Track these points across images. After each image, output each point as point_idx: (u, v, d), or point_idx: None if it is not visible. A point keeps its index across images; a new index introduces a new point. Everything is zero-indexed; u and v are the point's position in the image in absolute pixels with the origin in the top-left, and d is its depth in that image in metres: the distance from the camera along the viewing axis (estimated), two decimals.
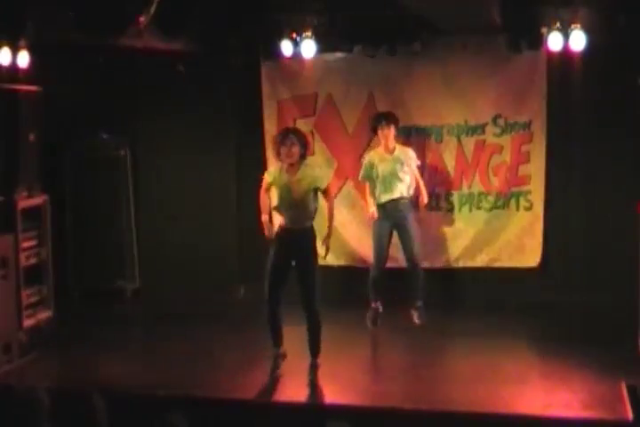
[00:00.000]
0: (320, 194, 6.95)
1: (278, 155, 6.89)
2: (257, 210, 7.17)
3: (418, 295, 8.25)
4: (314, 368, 6.97)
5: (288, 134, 6.86)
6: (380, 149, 8.28)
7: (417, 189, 8.37)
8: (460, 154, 9.06)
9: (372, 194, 8.28)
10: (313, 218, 6.97)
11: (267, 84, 9.35)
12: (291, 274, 6.95)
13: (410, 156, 8.30)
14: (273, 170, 7.07)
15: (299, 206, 6.87)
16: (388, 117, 8.26)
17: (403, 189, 8.21)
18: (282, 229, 6.93)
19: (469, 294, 9.05)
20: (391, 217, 8.21)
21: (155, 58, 8.60)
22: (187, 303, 9.18)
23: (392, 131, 8.20)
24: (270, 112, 9.38)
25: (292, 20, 8.07)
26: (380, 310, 8.29)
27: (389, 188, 8.19)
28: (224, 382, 6.83)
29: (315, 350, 7.00)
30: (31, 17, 7.11)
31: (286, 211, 6.90)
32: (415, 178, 8.34)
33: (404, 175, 8.20)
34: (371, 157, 8.32)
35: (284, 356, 7.06)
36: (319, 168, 7.23)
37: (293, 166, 6.85)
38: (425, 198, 8.42)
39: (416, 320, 8.14)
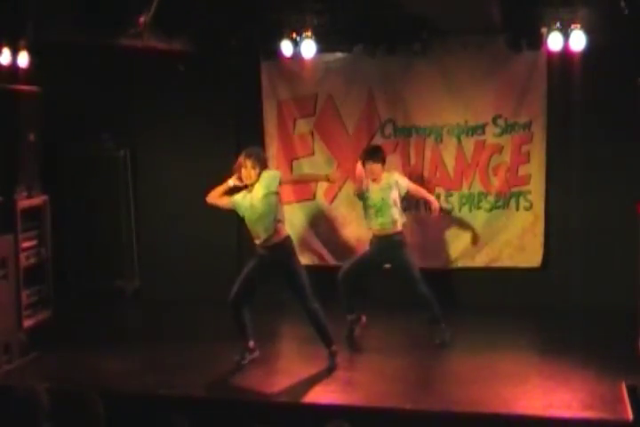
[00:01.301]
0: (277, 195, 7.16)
1: (240, 179, 7.22)
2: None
3: (433, 317, 7.83)
4: (333, 356, 7.19)
5: (246, 159, 7.20)
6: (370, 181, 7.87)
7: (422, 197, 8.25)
8: (459, 154, 9.06)
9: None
10: (280, 229, 7.15)
11: (267, 84, 9.35)
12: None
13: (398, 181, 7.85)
14: (239, 198, 7.28)
15: (264, 220, 7.10)
16: (374, 155, 7.83)
17: (396, 217, 7.78)
18: (258, 246, 7.22)
19: (469, 295, 9.04)
20: (384, 254, 7.85)
21: (155, 58, 8.60)
22: (186, 303, 9.19)
23: (378, 167, 7.78)
24: (270, 112, 9.39)
25: (292, 20, 8.05)
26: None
27: (373, 221, 7.84)
28: (224, 382, 6.84)
29: (326, 341, 7.23)
30: (31, 17, 7.11)
31: (255, 228, 7.16)
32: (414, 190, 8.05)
33: (394, 202, 7.78)
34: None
35: (253, 350, 7.33)
36: (268, 173, 7.20)
37: (253, 185, 7.17)
38: (434, 205, 8.01)
39: (436, 340, 7.79)
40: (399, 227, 7.81)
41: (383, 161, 7.88)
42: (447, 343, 7.74)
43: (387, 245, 7.81)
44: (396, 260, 7.86)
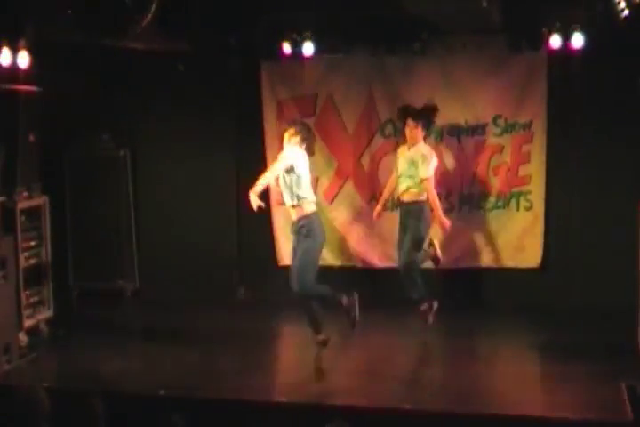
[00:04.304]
0: None
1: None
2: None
3: (413, 295, 8.04)
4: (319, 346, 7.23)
5: None
6: (406, 146, 8.26)
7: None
8: (460, 154, 9.06)
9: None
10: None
11: (266, 84, 9.34)
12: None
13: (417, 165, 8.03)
14: None
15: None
16: (415, 113, 8.12)
17: (407, 185, 8.06)
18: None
19: (469, 294, 9.05)
20: (402, 220, 8.20)
21: (155, 58, 8.60)
22: (186, 303, 9.18)
23: (414, 131, 8.08)
24: (270, 112, 9.38)
25: (292, 20, 8.06)
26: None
27: (399, 186, 8.20)
28: (224, 382, 6.84)
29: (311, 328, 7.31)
30: (31, 17, 7.10)
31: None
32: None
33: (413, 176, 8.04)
34: (399, 150, 8.36)
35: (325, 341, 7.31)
36: None
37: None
38: (444, 222, 8.10)
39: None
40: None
41: (424, 124, 8.14)
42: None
43: (402, 211, 8.23)
44: (406, 225, 8.15)
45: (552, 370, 7.08)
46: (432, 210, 8.06)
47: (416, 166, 8.03)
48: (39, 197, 8.17)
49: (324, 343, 7.31)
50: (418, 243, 8.02)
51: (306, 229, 7.15)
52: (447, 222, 8.10)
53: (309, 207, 7.23)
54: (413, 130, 8.11)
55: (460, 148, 9.04)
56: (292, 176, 7.14)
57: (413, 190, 8.06)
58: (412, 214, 8.07)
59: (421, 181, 8.01)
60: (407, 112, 8.24)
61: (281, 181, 7.29)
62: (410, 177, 8.07)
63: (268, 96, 9.37)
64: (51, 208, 8.34)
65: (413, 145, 8.15)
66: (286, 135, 7.35)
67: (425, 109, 8.24)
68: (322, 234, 7.33)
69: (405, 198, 8.13)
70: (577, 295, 8.57)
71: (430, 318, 8.03)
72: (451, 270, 9.05)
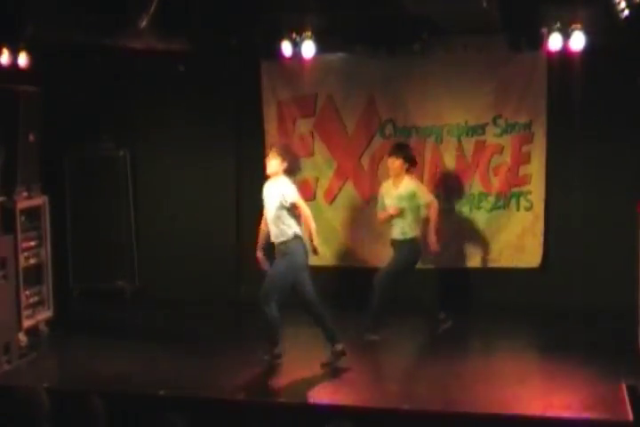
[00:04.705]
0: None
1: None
2: (256, 209, 7.30)
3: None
4: (335, 355, 7.15)
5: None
6: (390, 181, 8.11)
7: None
8: (460, 154, 9.05)
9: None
10: (286, 234, 7.07)
11: (267, 84, 9.34)
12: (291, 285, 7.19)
13: (416, 195, 7.95)
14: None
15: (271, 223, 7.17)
16: (393, 149, 8.07)
17: (402, 226, 7.93)
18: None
19: (469, 295, 9.04)
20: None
21: (155, 58, 8.60)
22: (186, 303, 9.19)
23: (395, 163, 7.97)
24: (270, 112, 9.38)
25: (292, 20, 8.05)
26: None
27: (393, 227, 8.03)
28: (224, 382, 6.83)
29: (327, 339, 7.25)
30: (31, 17, 7.11)
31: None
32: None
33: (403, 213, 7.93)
34: (383, 187, 8.17)
35: (280, 355, 7.22)
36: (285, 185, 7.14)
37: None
38: (433, 245, 7.92)
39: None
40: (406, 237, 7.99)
41: (404, 158, 7.97)
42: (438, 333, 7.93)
43: (395, 249, 8.09)
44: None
45: (552, 370, 7.07)
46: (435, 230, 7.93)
47: (411, 198, 7.89)
48: (39, 197, 8.17)
49: (341, 354, 7.16)
50: (396, 272, 7.92)
51: (284, 248, 7.06)
52: (436, 248, 7.93)
53: (291, 232, 7.08)
54: (394, 163, 7.95)
55: (461, 148, 9.04)
56: (289, 208, 7.06)
57: (405, 231, 7.91)
58: (402, 248, 7.95)
59: (427, 205, 7.94)
60: (391, 148, 8.18)
61: (274, 218, 7.06)
62: (402, 218, 7.89)
63: (268, 96, 9.37)
64: (51, 208, 8.34)
65: (398, 179, 7.98)
66: (267, 160, 7.17)
67: (398, 145, 8.23)
68: (301, 257, 7.08)
69: (399, 238, 7.97)
70: (577, 295, 8.56)
71: (440, 331, 8.00)
72: (450, 270, 9.06)
